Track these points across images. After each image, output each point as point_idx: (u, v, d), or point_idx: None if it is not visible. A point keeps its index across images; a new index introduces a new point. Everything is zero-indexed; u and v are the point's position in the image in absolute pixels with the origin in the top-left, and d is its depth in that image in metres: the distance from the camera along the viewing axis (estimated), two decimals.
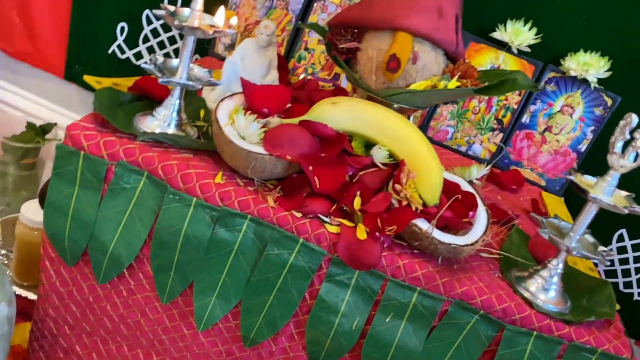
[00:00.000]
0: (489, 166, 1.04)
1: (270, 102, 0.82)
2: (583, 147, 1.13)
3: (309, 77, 1.19)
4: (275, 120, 0.78)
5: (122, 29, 1.35)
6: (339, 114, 0.79)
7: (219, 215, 0.75)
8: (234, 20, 0.80)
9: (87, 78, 0.92)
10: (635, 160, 0.68)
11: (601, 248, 0.75)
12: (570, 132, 1.12)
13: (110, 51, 1.39)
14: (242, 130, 0.77)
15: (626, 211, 0.68)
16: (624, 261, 1.24)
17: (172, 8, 0.80)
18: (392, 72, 0.80)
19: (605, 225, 0.97)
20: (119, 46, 1.38)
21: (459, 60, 0.83)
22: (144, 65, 0.79)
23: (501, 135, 1.15)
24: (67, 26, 1.39)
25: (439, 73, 0.83)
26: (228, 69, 0.97)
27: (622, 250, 1.23)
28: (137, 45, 1.37)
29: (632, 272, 1.23)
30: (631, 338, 1.28)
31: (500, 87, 0.82)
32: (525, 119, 1.14)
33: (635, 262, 1.23)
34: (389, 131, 0.79)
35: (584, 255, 0.73)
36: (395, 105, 0.85)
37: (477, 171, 1.03)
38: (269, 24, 0.96)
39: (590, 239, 0.77)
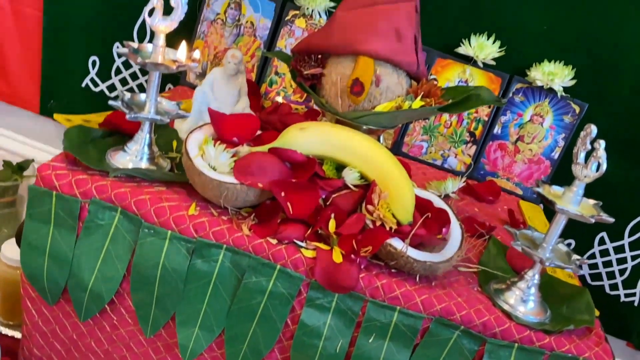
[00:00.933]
0: (464, 179, 1.05)
1: (239, 131, 0.83)
2: (556, 154, 1.15)
3: (281, 100, 1.20)
4: (244, 149, 0.79)
5: (94, 62, 1.36)
6: (307, 139, 0.80)
7: (195, 246, 0.75)
8: (196, 54, 0.81)
9: (57, 117, 0.92)
10: (597, 170, 0.70)
11: (574, 257, 0.76)
12: (542, 141, 1.15)
13: (83, 85, 1.40)
14: (212, 161, 0.78)
15: (592, 220, 0.70)
16: (608, 264, 1.25)
17: (135, 45, 0.81)
18: (357, 95, 0.81)
19: (586, 229, 0.99)
20: (91, 79, 1.39)
21: (421, 80, 0.85)
22: (111, 103, 0.80)
23: (474, 147, 1.17)
24: (39, 62, 1.40)
25: (403, 93, 0.85)
26: (198, 99, 0.98)
27: (604, 252, 1.25)
28: (110, 78, 1.38)
29: (617, 274, 1.25)
30: (621, 339, 1.30)
31: (465, 104, 0.83)
32: (497, 130, 1.16)
33: (618, 264, 1.24)
34: (358, 153, 0.80)
35: (558, 266, 0.74)
36: (364, 127, 0.86)
37: (453, 184, 1.05)
38: (235, 53, 0.98)
39: (563, 248, 0.79)
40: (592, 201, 0.75)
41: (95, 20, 1.31)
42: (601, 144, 0.70)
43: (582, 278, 1.28)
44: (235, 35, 1.21)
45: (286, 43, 1.19)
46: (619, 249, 1.23)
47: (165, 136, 0.94)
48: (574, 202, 0.72)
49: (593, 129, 0.71)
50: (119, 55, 1.34)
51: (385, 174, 0.79)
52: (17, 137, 1.57)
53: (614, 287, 1.25)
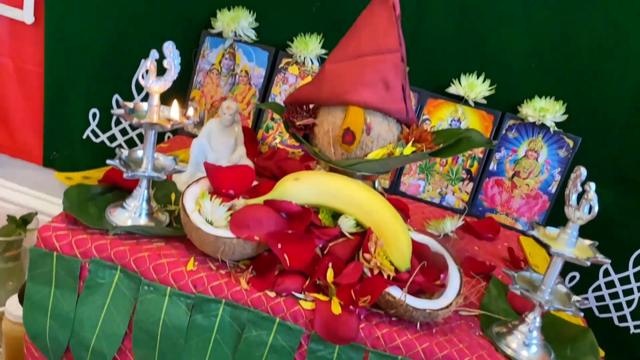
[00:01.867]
0: (462, 218, 1.06)
1: (234, 183, 0.84)
2: (553, 188, 1.15)
3: (278, 145, 1.22)
4: (240, 202, 0.81)
5: (94, 114, 1.40)
6: (302, 189, 0.82)
7: (194, 302, 0.76)
8: (190, 112, 0.83)
9: (58, 175, 0.95)
10: (590, 212, 0.70)
11: (574, 298, 0.76)
12: (538, 175, 1.15)
13: (84, 136, 1.43)
14: (209, 215, 0.79)
15: (588, 263, 0.70)
16: (614, 295, 1.24)
17: (130, 105, 0.83)
18: (348, 144, 0.83)
19: None
20: (92, 131, 1.42)
21: (412, 126, 0.87)
22: (109, 162, 0.82)
23: (471, 184, 1.18)
24: (42, 116, 1.43)
25: (394, 140, 0.86)
26: (195, 150, 1.01)
27: (610, 284, 1.24)
28: (110, 128, 1.41)
29: (624, 305, 1.24)
30: None
31: (456, 148, 0.85)
32: (493, 166, 1.17)
33: (625, 295, 1.23)
34: (353, 201, 0.81)
35: (558, 309, 0.74)
36: (358, 174, 0.87)
37: (452, 224, 1.05)
38: (230, 104, 1.00)
39: (563, 288, 0.79)
40: (587, 241, 0.76)
41: (95, 74, 1.35)
42: (591, 186, 0.70)
43: (589, 311, 1.26)
44: (230, 84, 1.24)
45: (280, 89, 1.22)
46: (624, 280, 1.22)
47: (164, 189, 0.96)
48: (569, 244, 0.73)
49: (582, 172, 0.71)
50: (118, 105, 1.37)
51: (380, 221, 0.80)
52: (21, 189, 1.60)
53: (622, 319, 1.24)
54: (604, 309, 1.26)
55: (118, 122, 1.40)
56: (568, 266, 0.78)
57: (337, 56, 0.86)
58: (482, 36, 1.15)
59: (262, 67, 1.22)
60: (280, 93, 1.22)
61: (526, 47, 1.14)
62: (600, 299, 1.25)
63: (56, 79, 1.37)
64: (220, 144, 1.02)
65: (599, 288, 1.25)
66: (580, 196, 0.73)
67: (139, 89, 1.35)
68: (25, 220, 1.33)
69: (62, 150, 1.47)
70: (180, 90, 1.14)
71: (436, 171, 1.18)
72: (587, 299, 1.26)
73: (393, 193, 1.21)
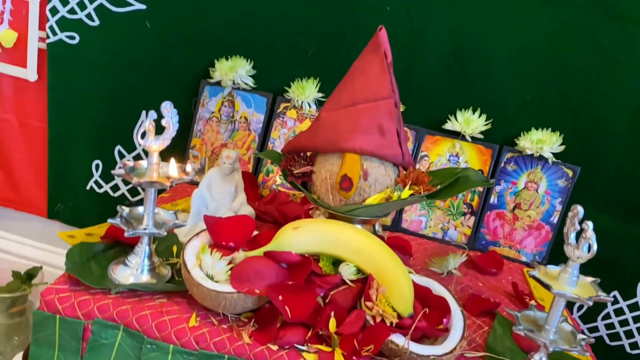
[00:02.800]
0: (465, 254, 1.06)
1: (235, 235, 0.85)
2: (555, 218, 1.15)
3: (279, 188, 1.23)
4: (240, 255, 0.81)
5: (97, 165, 1.42)
6: (301, 238, 0.82)
7: (197, 359, 0.76)
8: (189, 168, 0.85)
9: (61, 235, 0.96)
10: (589, 250, 0.70)
11: (580, 337, 0.75)
12: (539, 207, 1.15)
13: (88, 187, 1.45)
14: (209, 270, 0.80)
15: (590, 303, 0.70)
16: (624, 322, 1.22)
17: (130, 163, 0.85)
18: (346, 191, 0.84)
19: (599, 285, 0.97)
20: (96, 182, 1.44)
21: (409, 169, 0.88)
22: (110, 221, 0.83)
23: (473, 218, 1.18)
24: (46, 168, 1.46)
25: (392, 184, 0.87)
26: (196, 201, 1.02)
27: (619, 312, 1.23)
28: (113, 178, 1.43)
29: (635, 332, 1.22)
30: None
31: (453, 189, 0.85)
32: (493, 199, 1.17)
33: (635, 321, 1.21)
34: (352, 248, 0.82)
35: (563, 349, 0.73)
36: (357, 218, 0.88)
37: (455, 260, 1.05)
38: (230, 153, 1.02)
39: (567, 327, 0.78)
40: (589, 279, 0.75)
41: (97, 126, 1.38)
42: (589, 225, 0.70)
43: (600, 340, 1.24)
44: (230, 130, 1.26)
45: (280, 134, 1.24)
46: (633, 307, 1.20)
47: (166, 241, 0.96)
48: (570, 283, 0.72)
49: (579, 210, 0.72)
50: (120, 156, 1.40)
51: (381, 267, 0.80)
52: (26, 242, 1.62)
53: (634, 346, 1.22)
54: (615, 336, 1.24)
55: None
56: None
57: (332, 104, 0.88)
58: (475, 72, 1.17)
59: (260, 113, 1.24)
60: (279, 137, 1.24)
61: (519, 80, 1.16)
62: (610, 326, 1.24)
63: (59, 133, 1.40)
64: (220, 192, 1.03)
65: (608, 316, 1.23)
66: (579, 234, 0.72)
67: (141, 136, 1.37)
68: (30, 275, 1.34)
69: (67, 202, 1.49)
70: (181, 139, 1.17)
71: (437, 207, 1.18)
72: (597, 328, 1.25)
73: (395, 230, 1.21)
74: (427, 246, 1.17)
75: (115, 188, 1.44)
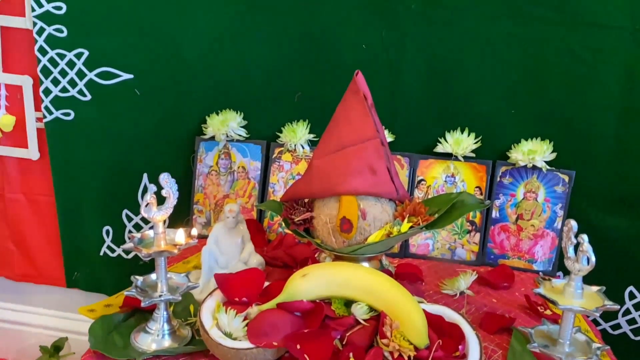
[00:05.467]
0: (475, 273, 1.08)
1: (246, 290, 0.88)
2: (558, 224, 1.17)
3: (285, 231, 1.26)
4: (254, 310, 0.84)
5: (107, 231, 1.46)
6: (311, 285, 0.85)
7: None
8: (194, 232, 0.88)
9: (81, 310, 0.99)
10: (588, 263, 0.72)
11: (595, 345, 0.77)
12: (541, 215, 1.17)
13: (101, 253, 1.49)
14: (226, 328, 0.83)
15: (597, 314, 0.71)
16: None
17: (138, 235, 0.89)
18: (347, 232, 0.87)
19: (613, 286, 0.98)
20: (108, 247, 1.48)
21: (405, 202, 0.90)
22: (126, 293, 0.87)
23: (478, 234, 1.20)
24: (59, 240, 1.50)
25: (390, 219, 0.90)
26: (206, 257, 1.05)
27: (638, 306, 1.23)
28: (124, 241, 1.47)
29: None
30: None
31: (450, 215, 0.88)
32: (495, 214, 1.20)
33: None
34: (361, 287, 0.84)
35: None
36: (362, 257, 0.91)
37: (465, 280, 1.07)
38: (232, 207, 1.05)
39: (582, 337, 0.80)
40: (594, 288, 0.77)
41: (102, 194, 1.42)
42: (584, 238, 0.73)
43: (624, 337, 1.25)
44: (230, 181, 1.30)
45: (278, 178, 1.27)
46: None
47: (182, 302, 0.99)
48: (576, 297, 0.74)
49: (573, 225, 0.74)
50: (126, 252, 1.46)
51: (391, 303, 0.83)
52: (50, 313, 1.66)
53: None
54: (638, 331, 1.24)
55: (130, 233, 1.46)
56: None
57: (321, 151, 0.91)
58: (457, 93, 1.20)
59: (257, 161, 1.28)
60: (278, 181, 1.27)
61: (501, 95, 1.19)
62: (632, 321, 1.24)
63: (67, 204, 1.45)
64: (228, 245, 1.07)
65: (628, 312, 1.24)
66: (577, 248, 0.75)
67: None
68: (57, 347, 1.37)
69: (83, 270, 1.53)
70: (183, 194, 1.21)
71: (441, 227, 1.21)
72: (619, 325, 1.25)
73: (404, 257, 1.23)
74: (437, 268, 1.19)
75: (127, 251, 1.48)
